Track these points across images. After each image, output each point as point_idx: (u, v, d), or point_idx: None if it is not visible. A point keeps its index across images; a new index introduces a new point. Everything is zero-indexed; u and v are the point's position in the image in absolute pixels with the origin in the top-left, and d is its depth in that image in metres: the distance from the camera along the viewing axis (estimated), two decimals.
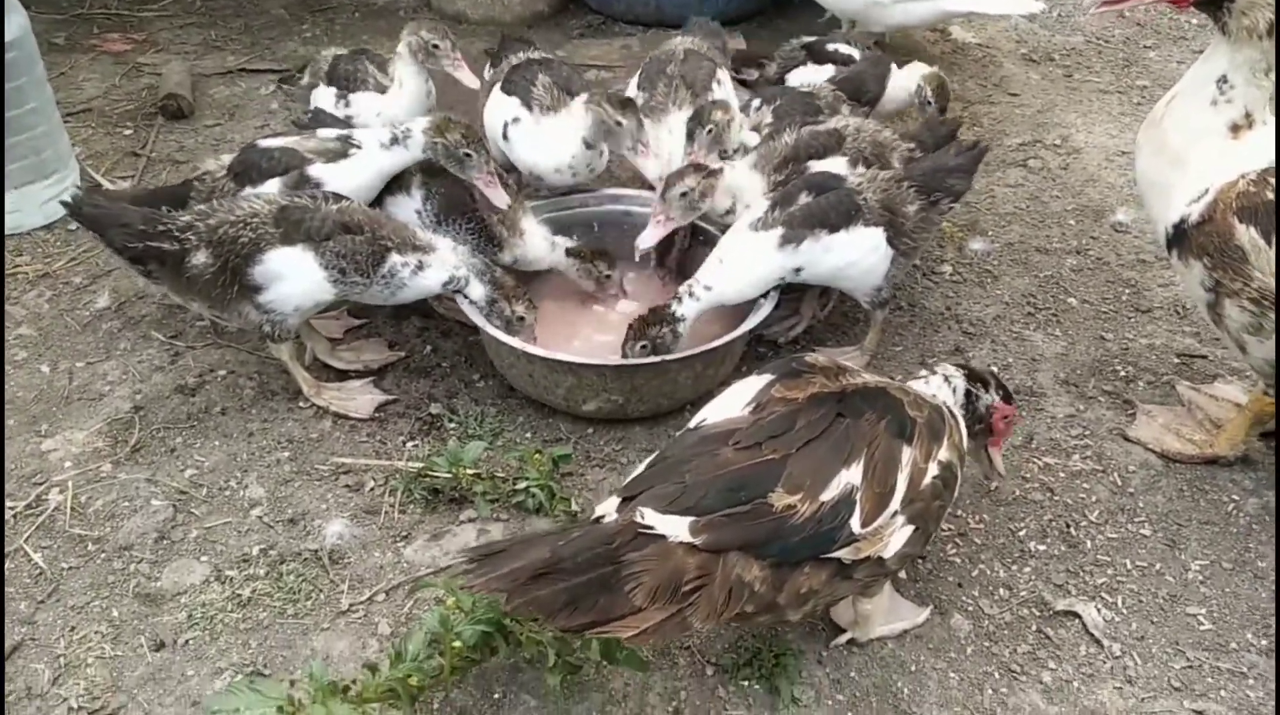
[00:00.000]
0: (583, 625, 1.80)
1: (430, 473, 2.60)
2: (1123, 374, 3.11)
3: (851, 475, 1.97)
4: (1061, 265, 3.62)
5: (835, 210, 2.81)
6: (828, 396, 2.06)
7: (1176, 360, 3.16)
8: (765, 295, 2.94)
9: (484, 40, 5.02)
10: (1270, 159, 2.42)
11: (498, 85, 3.37)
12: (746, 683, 2.20)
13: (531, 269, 3.10)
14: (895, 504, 2.00)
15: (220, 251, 2.61)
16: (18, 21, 3.44)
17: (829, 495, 1.94)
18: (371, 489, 2.67)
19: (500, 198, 2.89)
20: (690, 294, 2.80)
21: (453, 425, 2.88)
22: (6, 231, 3.56)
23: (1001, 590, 2.44)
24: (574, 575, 1.81)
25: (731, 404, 2.10)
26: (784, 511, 1.90)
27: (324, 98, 3.46)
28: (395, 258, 2.72)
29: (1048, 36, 5.44)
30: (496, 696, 2.16)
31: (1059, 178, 4.13)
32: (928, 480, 2.05)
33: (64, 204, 2.72)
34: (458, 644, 1.97)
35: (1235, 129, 2.45)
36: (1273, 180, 2.38)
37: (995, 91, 4.81)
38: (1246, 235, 2.38)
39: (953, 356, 3.20)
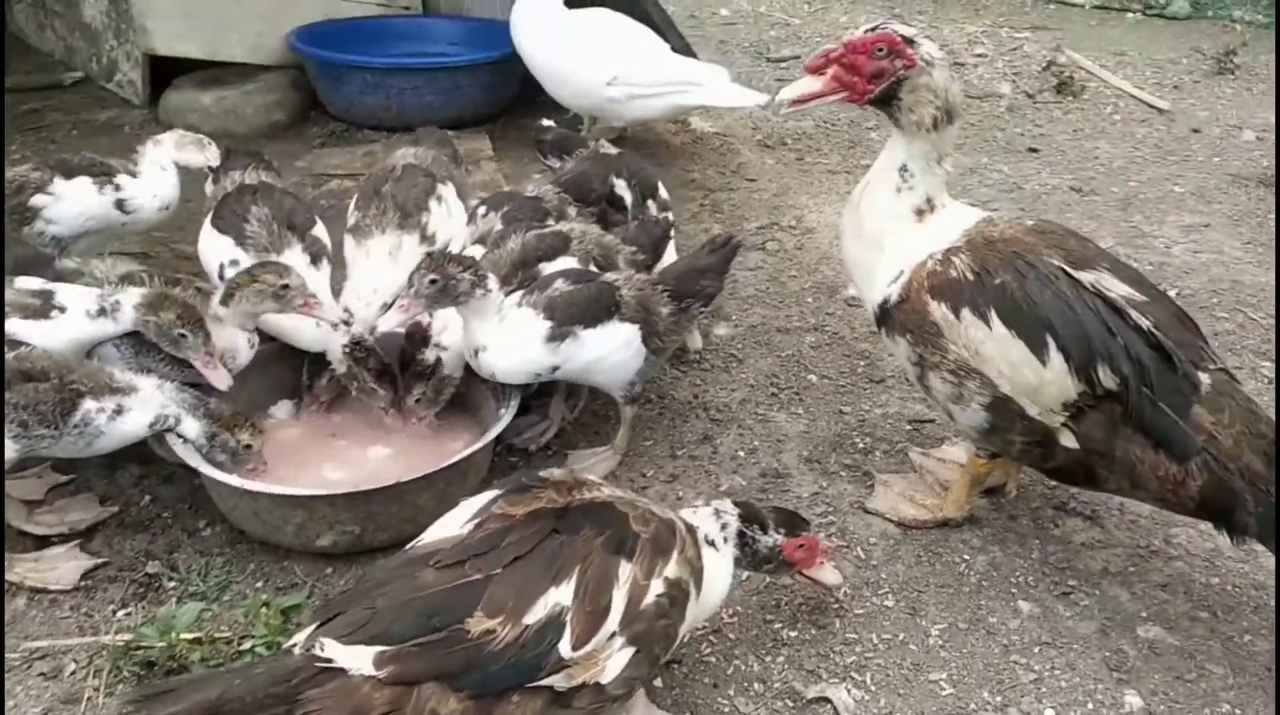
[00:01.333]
0: None
1: (139, 645, 2.34)
2: (860, 446, 3.23)
3: (561, 595, 1.89)
4: (801, 343, 3.76)
5: (596, 303, 2.81)
6: (547, 512, 2.00)
7: (909, 427, 3.31)
8: (506, 403, 2.88)
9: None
10: (950, 239, 2.59)
11: (209, 215, 3.19)
12: None
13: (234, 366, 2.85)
14: (612, 625, 1.93)
15: None
16: None
17: (534, 617, 1.85)
18: (72, 673, 2.38)
19: (221, 379, 2.74)
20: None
21: (173, 584, 2.63)
22: None
23: (756, 685, 2.42)
24: (247, 713, 1.67)
25: (452, 523, 2.01)
26: (481, 637, 1.81)
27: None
28: (89, 404, 2.49)
29: (780, 123, 5.77)
30: None
31: (795, 257, 4.33)
32: (650, 599, 2.00)
33: None
34: None
35: (920, 213, 2.61)
36: (955, 259, 2.53)
37: (734, 178, 5.03)
38: (939, 311, 2.52)
39: (702, 445, 3.23)
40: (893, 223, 2.63)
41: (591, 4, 4.93)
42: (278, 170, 3.63)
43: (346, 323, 2.99)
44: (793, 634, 2.56)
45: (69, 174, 3.39)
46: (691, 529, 2.20)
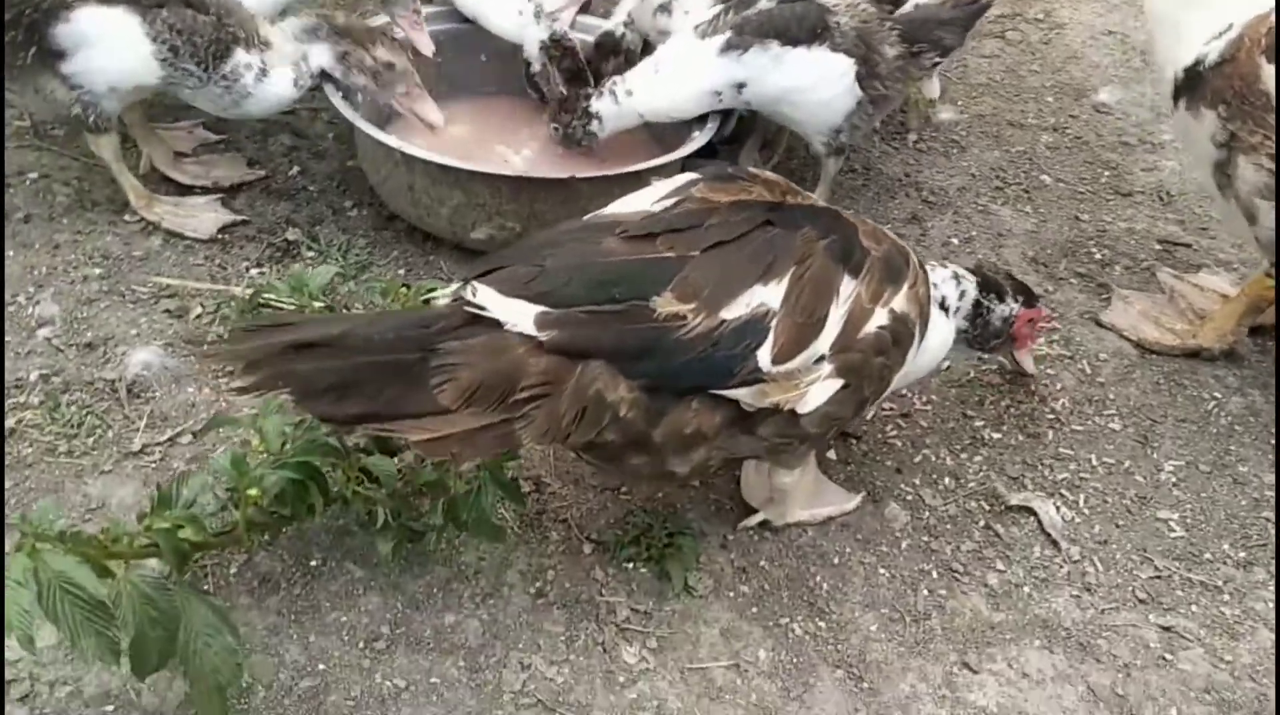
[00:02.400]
0: (353, 417, 1.38)
1: (268, 300, 2.11)
2: (1098, 257, 2.72)
3: (768, 294, 1.52)
4: (1036, 141, 3.20)
5: (799, 22, 2.35)
6: (759, 204, 1.61)
7: (1158, 247, 2.77)
8: (702, 124, 2.48)
9: None
10: None
11: None
12: (631, 565, 1.79)
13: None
14: (824, 345, 1.57)
15: (14, 1, 2.06)
16: None
17: (733, 313, 1.50)
18: (198, 316, 2.18)
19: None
20: (611, 93, 2.36)
21: (311, 253, 2.39)
22: None
23: (947, 480, 2.05)
24: (359, 354, 1.38)
25: (640, 200, 1.65)
26: (668, 321, 1.47)
27: None
28: (240, 55, 2.21)
29: None
30: (314, 564, 1.72)
31: (1039, 52, 3.70)
32: (871, 327, 1.62)
33: None
34: (254, 492, 1.51)
35: None
36: None
37: None
38: (1276, 78, 1.97)
39: (910, 225, 2.78)
40: None
41: None
42: None
43: (548, 15, 2.61)
44: (996, 436, 2.16)
45: None
46: (925, 266, 1.80)
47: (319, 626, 1.65)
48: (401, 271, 2.40)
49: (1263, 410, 2.27)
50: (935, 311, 1.83)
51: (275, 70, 2.27)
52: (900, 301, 1.66)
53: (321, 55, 2.29)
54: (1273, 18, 2.02)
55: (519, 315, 1.44)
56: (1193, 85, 2.12)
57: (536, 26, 2.61)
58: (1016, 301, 1.95)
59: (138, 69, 2.17)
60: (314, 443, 1.55)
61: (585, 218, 1.65)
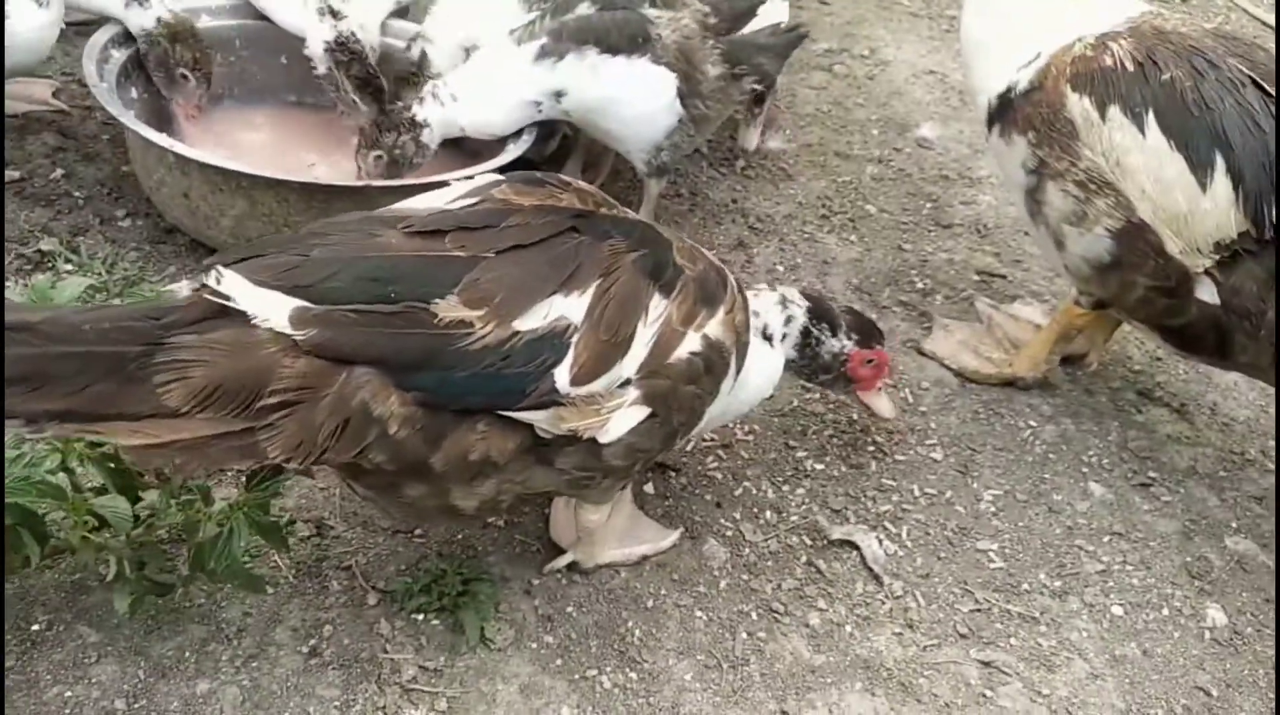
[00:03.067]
0: (49, 414, 1.16)
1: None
2: (920, 286, 2.72)
3: (569, 307, 1.38)
4: (862, 172, 3.22)
5: (619, 29, 2.25)
6: (566, 210, 1.47)
7: (976, 277, 2.80)
8: (517, 139, 2.33)
9: None
10: (1110, 23, 2.06)
11: None
12: (421, 616, 1.60)
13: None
14: (629, 367, 1.43)
15: None
16: None
17: (528, 324, 1.35)
18: None
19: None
20: (435, 97, 2.18)
21: (69, 267, 2.10)
22: None
23: (769, 513, 1.95)
24: (65, 343, 1.17)
25: (435, 198, 1.49)
26: (451, 327, 1.30)
27: None
28: None
29: None
30: (35, 629, 1.45)
31: (864, 87, 3.75)
32: (683, 352, 1.50)
33: None
34: None
35: None
36: (1113, 45, 2.00)
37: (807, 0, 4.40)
38: (1080, 106, 2.00)
39: (735, 251, 2.72)
40: None
41: None
42: None
43: (334, 13, 2.40)
44: (818, 466, 2.09)
45: None
46: (743, 292, 1.69)
47: (36, 706, 1.38)
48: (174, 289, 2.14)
49: (1074, 438, 2.29)
50: (758, 341, 1.73)
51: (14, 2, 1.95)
52: (715, 327, 1.54)
53: (138, 17, 2.10)
54: (1077, 47, 2.05)
55: (272, 309, 1.25)
56: (1004, 112, 2.13)
57: (321, 25, 2.39)
58: (850, 338, 1.84)
59: None
60: (28, 481, 1.30)
61: (368, 213, 1.46)
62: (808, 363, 1.82)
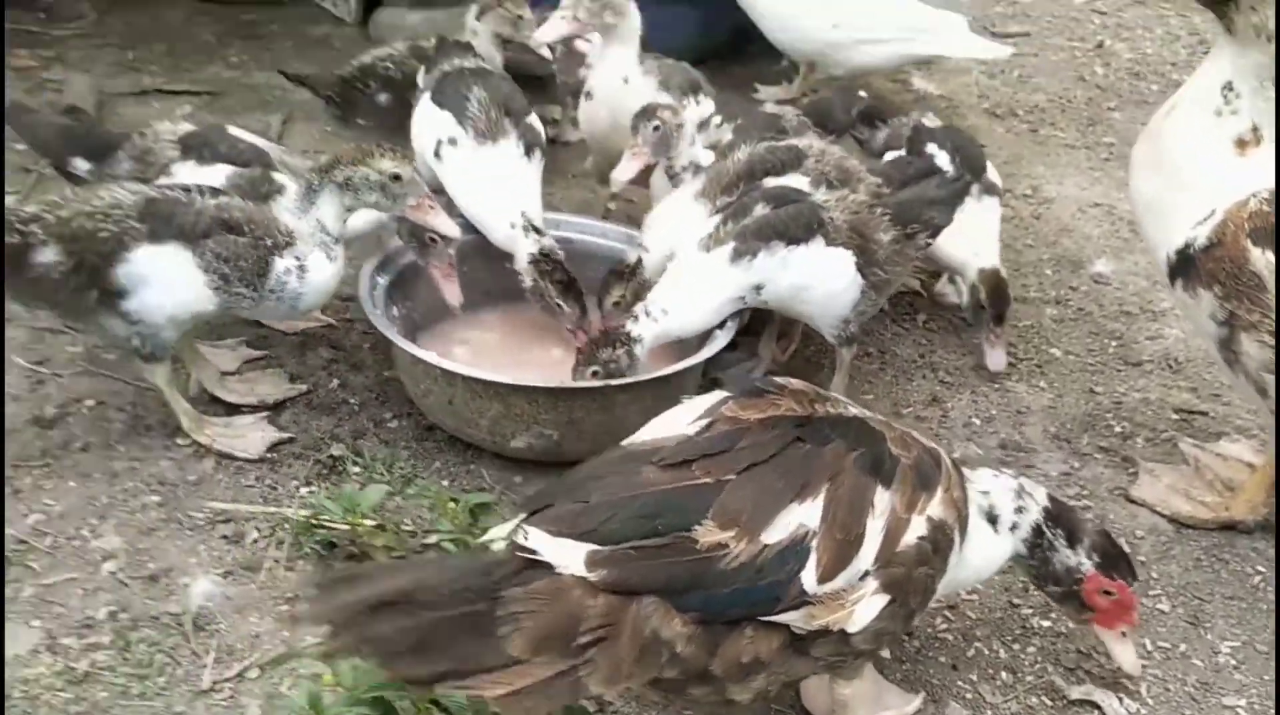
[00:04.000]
0: (436, 676, 1.39)
1: (323, 522, 2.16)
2: (1118, 430, 2.80)
3: (805, 514, 1.57)
4: (1041, 314, 3.34)
5: (795, 222, 2.49)
6: (787, 419, 1.69)
7: (1175, 416, 2.86)
8: (721, 325, 2.59)
9: None
10: None
11: (428, 94, 3.00)
12: None
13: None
14: (865, 561, 1.61)
15: (74, 248, 2.19)
16: None
17: (773, 536, 1.54)
18: (254, 541, 2.22)
19: (453, 292, 2.66)
20: (648, 314, 2.45)
21: (357, 469, 2.45)
22: None
23: (1004, 674, 2.06)
24: (433, 610, 1.41)
25: (674, 422, 1.72)
26: (711, 550, 1.51)
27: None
28: (278, 263, 2.30)
29: (1010, 93, 5.29)
30: None
31: (1031, 227, 3.89)
32: (911, 538, 1.66)
33: None
34: None
35: (1242, 144, 2.20)
36: None
37: None
38: (1263, 259, 2.10)
39: (929, 407, 2.87)
40: (1206, 153, 2.21)
41: None
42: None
43: (536, 230, 2.75)
44: (1044, 624, 2.18)
45: None
46: (959, 468, 1.85)
47: None
48: (445, 482, 2.46)
49: None
50: (981, 522, 1.83)
51: (310, 259, 2.33)
52: (936, 507, 1.71)
53: (327, 205, 2.31)
54: (1252, 203, 2.15)
55: (570, 557, 1.48)
56: (1186, 267, 2.24)
57: (526, 240, 2.71)
58: (1090, 557, 1.85)
59: (193, 300, 2.29)
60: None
61: (624, 444, 1.72)
62: (1037, 565, 1.87)
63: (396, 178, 2.30)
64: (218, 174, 2.53)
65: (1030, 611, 2.20)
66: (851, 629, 1.61)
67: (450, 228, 2.45)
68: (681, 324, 2.49)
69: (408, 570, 1.54)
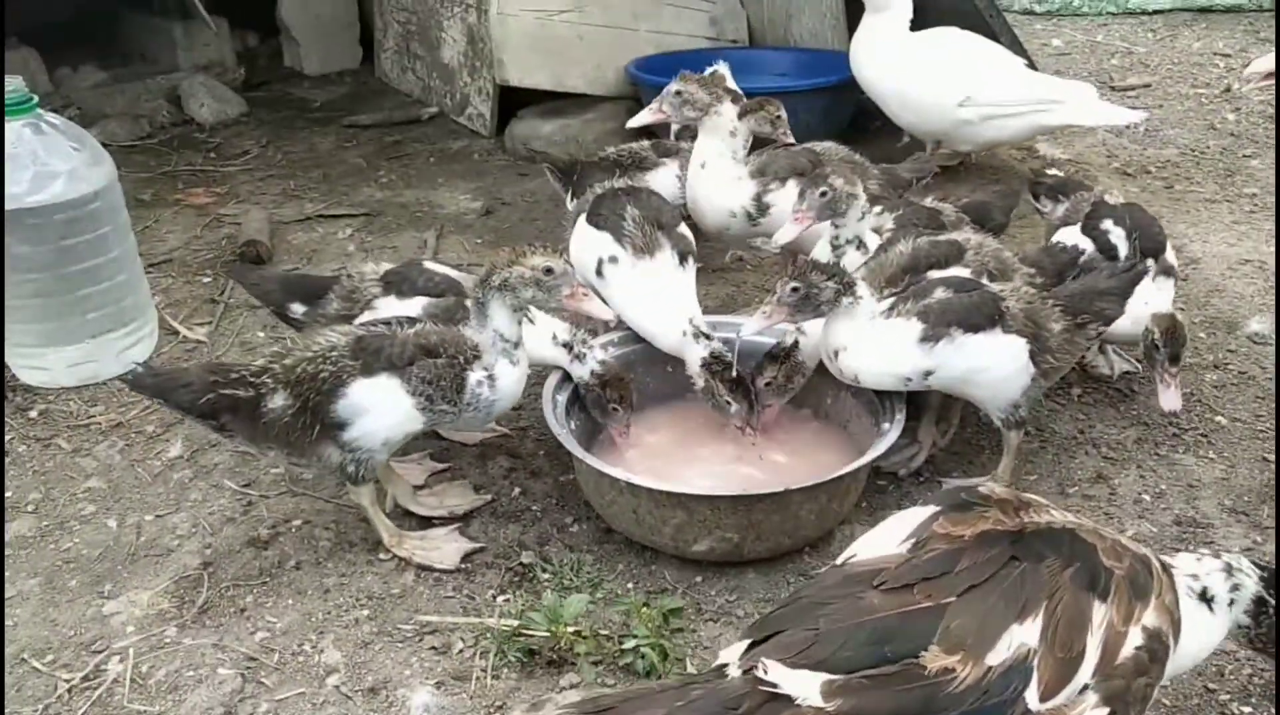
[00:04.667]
0: None
1: (526, 631, 2.31)
2: None
3: (1026, 634, 1.63)
4: (1201, 381, 3.30)
5: (978, 310, 2.60)
6: (1000, 535, 1.75)
7: None
8: (890, 418, 2.67)
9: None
10: None
11: (583, 217, 3.22)
12: None
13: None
14: (1085, 675, 1.65)
15: (299, 391, 2.43)
16: (104, 170, 3.43)
17: (997, 658, 1.60)
18: (460, 650, 2.38)
19: (623, 433, 2.87)
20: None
21: (546, 575, 2.60)
22: (84, 381, 3.46)
23: None
24: None
25: (886, 539, 1.81)
26: (939, 675, 1.57)
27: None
28: (471, 377, 2.51)
29: (1139, 150, 5.25)
30: None
31: (1181, 289, 3.82)
32: (1129, 649, 1.70)
33: (123, 380, 2.55)
34: None
35: None
36: None
37: None
38: None
39: (1096, 485, 2.86)
40: None
41: (937, 24, 4.71)
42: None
43: (705, 336, 2.90)
44: (1245, 709, 2.15)
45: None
46: (1167, 569, 1.87)
47: None
48: (629, 584, 2.58)
49: None
50: (1194, 604, 1.85)
51: (497, 368, 2.52)
52: (1151, 616, 1.74)
53: (498, 312, 2.48)
54: None
55: (807, 687, 1.57)
56: None
57: (697, 345, 2.87)
58: None
59: (404, 422, 2.50)
60: None
61: (841, 564, 1.81)
62: (1259, 631, 1.88)
63: (549, 271, 2.45)
64: (415, 306, 2.77)
65: (1228, 698, 2.17)
66: None
67: (604, 312, 2.62)
68: (856, 365, 2.64)
69: (658, 702, 1.61)
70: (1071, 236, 3.16)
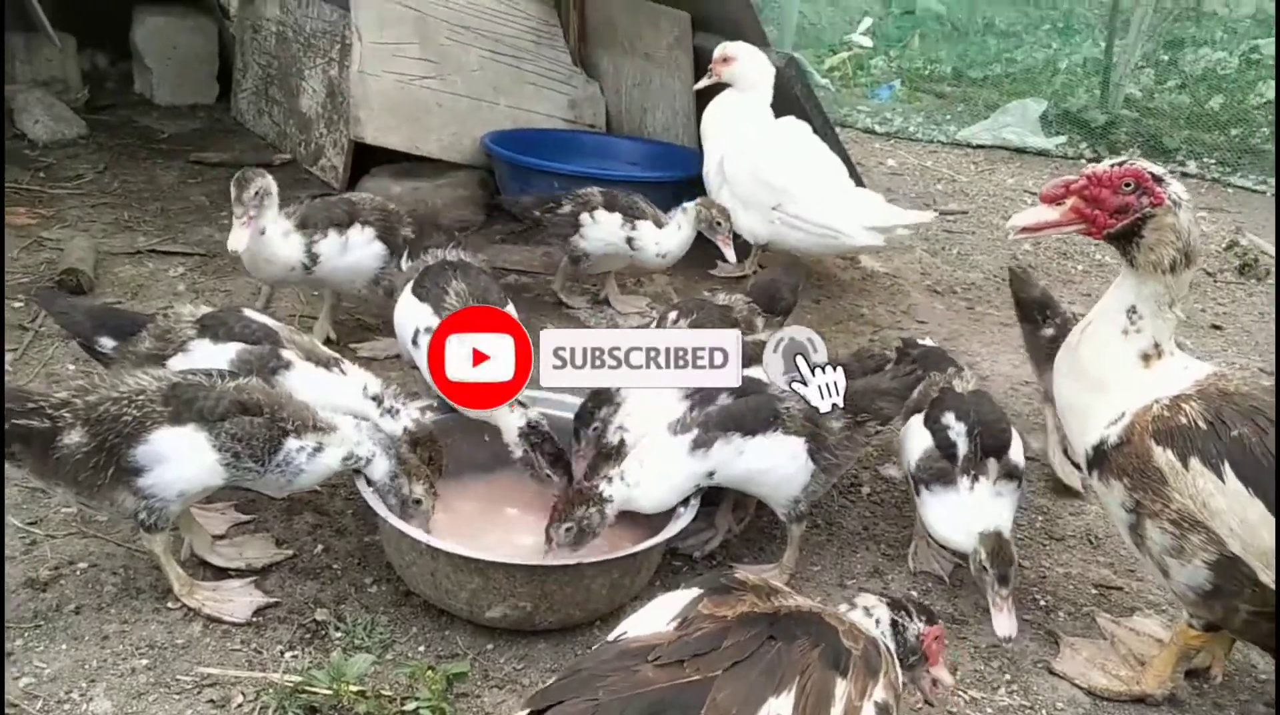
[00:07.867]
0: None
1: (308, 688, 2.31)
2: (1042, 603, 3.04)
3: (781, 706, 1.79)
4: None
5: (754, 414, 2.77)
6: (759, 617, 1.92)
7: (1094, 590, 3.11)
8: (685, 503, 2.83)
9: None
10: (1180, 386, 2.46)
11: (410, 284, 3.30)
12: None
13: None
14: None
15: (98, 430, 2.39)
16: None
17: None
18: (239, 705, 2.36)
19: None
20: (622, 478, 2.70)
21: (339, 634, 2.61)
22: None
23: None
24: None
25: (655, 618, 1.94)
26: None
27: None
28: (291, 443, 2.55)
29: (950, 271, 5.73)
30: None
31: None
32: None
33: None
34: None
35: (1146, 358, 2.50)
36: (1186, 407, 2.41)
37: (904, 318, 4.98)
38: (1164, 458, 2.39)
39: (872, 578, 3.09)
40: (1116, 365, 2.51)
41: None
42: (471, 252, 3.75)
43: (523, 405, 3.00)
44: None
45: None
46: (890, 652, 2.07)
47: None
48: (421, 647, 2.61)
49: None
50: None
51: (329, 448, 2.61)
52: (880, 692, 1.93)
53: (379, 465, 2.65)
54: (1155, 408, 2.45)
55: None
56: (1100, 460, 2.51)
57: (512, 415, 2.97)
58: (921, 620, 2.16)
59: (205, 476, 2.49)
60: None
61: (615, 641, 1.92)
62: (901, 647, 2.12)
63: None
64: (230, 351, 2.78)
65: None
66: None
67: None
68: (647, 498, 2.74)
69: None
70: (917, 426, 3.06)
